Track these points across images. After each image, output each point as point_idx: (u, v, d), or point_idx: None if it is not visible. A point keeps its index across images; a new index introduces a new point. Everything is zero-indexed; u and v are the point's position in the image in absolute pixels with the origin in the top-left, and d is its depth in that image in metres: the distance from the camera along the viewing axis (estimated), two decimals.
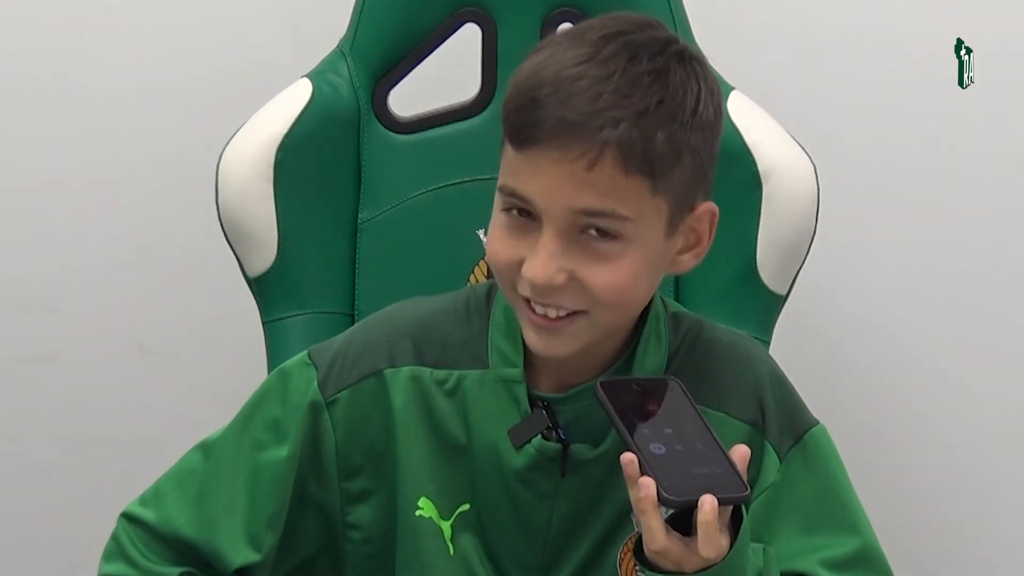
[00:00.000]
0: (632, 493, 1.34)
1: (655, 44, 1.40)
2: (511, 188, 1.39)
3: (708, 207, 1.45)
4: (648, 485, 1.32)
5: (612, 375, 1.47)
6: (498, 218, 1.42)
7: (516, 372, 1.47)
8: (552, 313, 1.41)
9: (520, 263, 1.40)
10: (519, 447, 1.46)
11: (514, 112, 1.39)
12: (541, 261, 1.38)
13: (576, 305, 1.40)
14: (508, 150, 1.40)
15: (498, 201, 1.42)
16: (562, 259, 1.38)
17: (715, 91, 1.43)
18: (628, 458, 1.34)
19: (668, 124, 1.37)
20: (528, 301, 1.41)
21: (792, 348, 1.78)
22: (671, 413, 1.40)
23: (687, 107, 1.39)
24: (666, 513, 1.34)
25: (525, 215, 1.40)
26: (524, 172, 1.38)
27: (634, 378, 1.44)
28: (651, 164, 1.37)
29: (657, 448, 1.35)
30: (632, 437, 1.36)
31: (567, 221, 1.38)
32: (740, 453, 1.37)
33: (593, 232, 1.38)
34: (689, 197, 1.42)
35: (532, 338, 1.43)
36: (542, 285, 1.38)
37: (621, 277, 1.40)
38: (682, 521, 1.35)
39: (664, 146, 1.37)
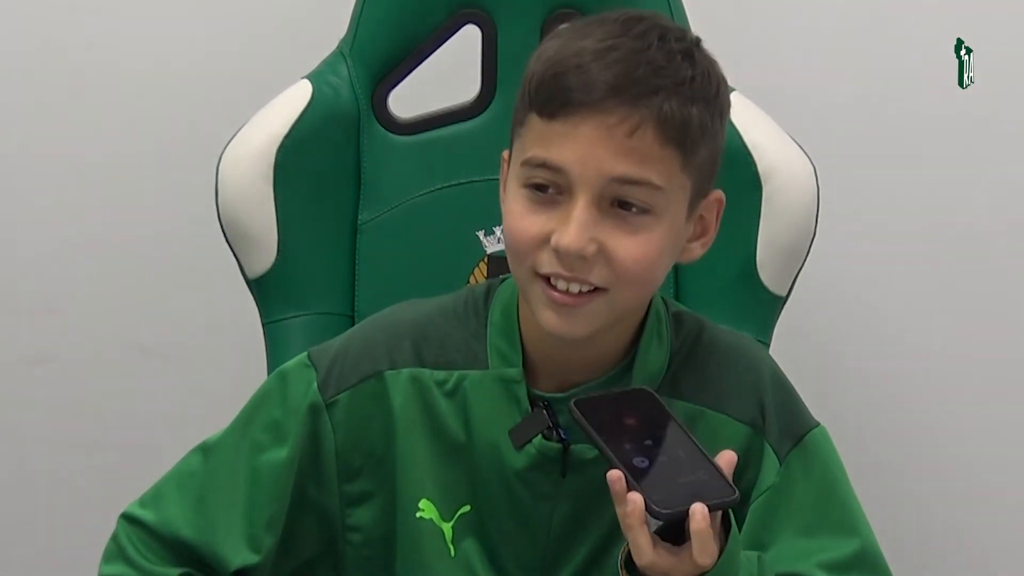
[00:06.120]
0: (619, 510, 1.33)
1: (678, 29, 1.43)
2: (542, 159, 1.38)
3: (717, 194, 1.46)
4: (635, 501, 1.32)
5: (593, 391, 1.46)
6: (518, 194, 1.40)
7: (516, 372, 1.47)
8: (575, 288, 1.40)
9: (544, 239, 1.39)
10: (520, 447, 1.46)
11: (551, 79, 1.37)
12: (575, 230, 1.37)
13: (599, 281, 1.39)
14: (535, 122, 1.39)
15: (519, 176, 1.40)
16: (594, 229, 1.38)
17: (726, 82, 1.45)
18: (615, 475, 1.33)
19: (699, 101, 1.39)
20: (548, 279, 1.40)
21: (792, 348, 1.78)
22: (649, 424, 1.39)
23: (711, 88, 1.41)
24: (654, 526, 1.34)
25: (552, 188, 1.39)
26: (558, 141, 1.37)
27: (607, 393, 1.43)
28: (684, 137, 1.38)
29: (640, 461, 1.35)
30: (614, 453, 1.35)
31: (601, 190, 1.37)
32: (727, 458, 1.36)
33: (625, 204, 1.38)
34: (707, 180, 1.43)
35: (550, 318, 1.41)
36: (574, 253, 1.37)
37: (649, 251, 1.40)
38: (672, 530, 1.34)
39: (696, 121, 1.39)
